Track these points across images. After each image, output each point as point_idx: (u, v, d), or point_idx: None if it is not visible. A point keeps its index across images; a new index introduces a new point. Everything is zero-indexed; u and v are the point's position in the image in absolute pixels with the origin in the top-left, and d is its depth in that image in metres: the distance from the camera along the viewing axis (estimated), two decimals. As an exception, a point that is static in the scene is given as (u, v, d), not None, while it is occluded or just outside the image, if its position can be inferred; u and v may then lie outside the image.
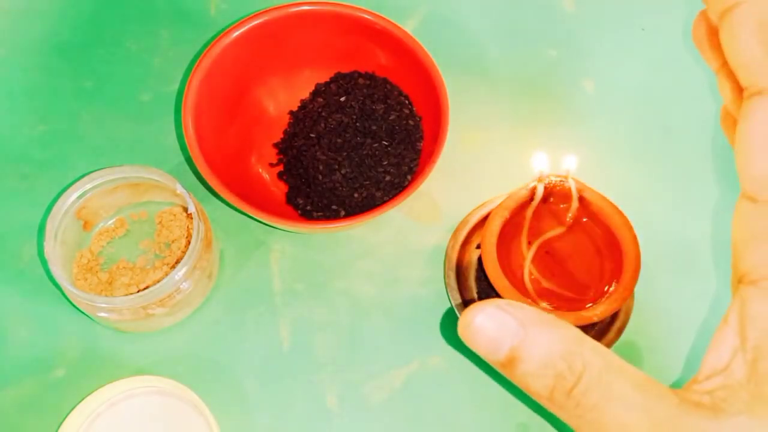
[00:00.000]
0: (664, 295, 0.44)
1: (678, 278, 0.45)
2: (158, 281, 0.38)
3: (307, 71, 0.46)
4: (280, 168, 0.46)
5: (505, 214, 0.41)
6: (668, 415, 0.22)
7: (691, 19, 0.54)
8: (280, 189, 0.45)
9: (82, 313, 0.41)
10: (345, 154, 0.44)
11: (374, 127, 0.44)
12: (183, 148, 0.47)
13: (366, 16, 0.43)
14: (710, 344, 0.24)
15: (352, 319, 0.43)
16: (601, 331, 0.43)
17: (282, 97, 0.47)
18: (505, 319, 0.23)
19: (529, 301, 0.39)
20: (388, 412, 0.41)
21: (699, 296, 0.45)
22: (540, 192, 0.41)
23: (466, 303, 0.43)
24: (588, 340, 0.24)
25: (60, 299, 0.42)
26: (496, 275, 0.40)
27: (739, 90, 0.24)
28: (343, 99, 0.45)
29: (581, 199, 0.41)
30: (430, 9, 0.51)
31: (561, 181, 0.41)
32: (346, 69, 0.46)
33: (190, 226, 0.44)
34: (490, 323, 0.24)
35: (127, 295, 0.40)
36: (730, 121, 0.27)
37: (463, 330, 0.24)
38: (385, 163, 0.44)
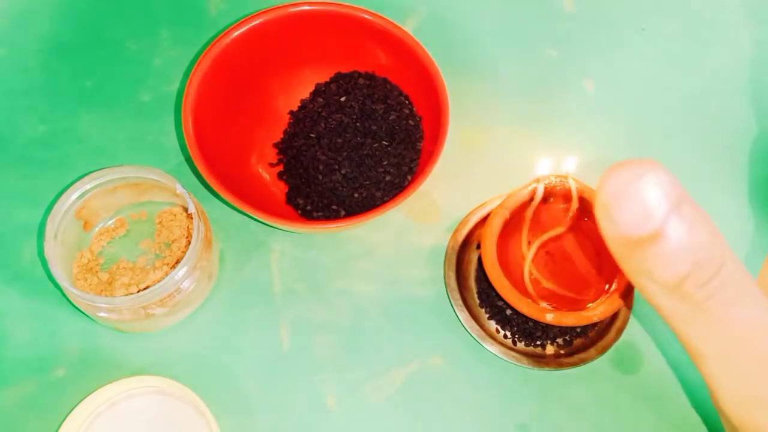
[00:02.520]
0: (664, 295, 0.44)
1: (678, 278, 0.45)
2: (158, 281, 0.38)
3: (307, 71, 0.46)
4: (280, 168, 0.46)
5: (505, 214, 0.41)
6: None
7: (692, 18, 0.54)
8: (280, 189, 0.45)
9: (82, 313, 0.41)
10: (345, 154, 0.44)
11: (374, 127, 0.44)
12: (183, 148, 0.47)
13: (366, 16, 0.43)
14: None
15: (352, 319, 0.43)
16: (601, 331, 0.43)
17: (282, 97, 0.47)
18: (658, 193, 0.20)
19: (529, 301, 0.39)
20: (388, 412, 0.41)
21: (699, 296, 0.44)
22: (540, 192, 0.41)
23: (465, 303, 0.43)
24: (722, 237, 0.22)
25: (60, 299, 0.42)
26: (496, 275, 0.40)
27: None
28: (343, 99, 0.45)
29: (581, 199, 0.41)
30: (430, 9, 0.51)
31: (561, 181, 0.41)
32: (346, 69, 0.46)
33: (190, 226, 0.44)
34: (642, 195, 0.21)
35: (127, 295, 0.41)
36: None
37: (608, 198, 0.21)
38: (385, 163, 0.44)
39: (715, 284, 0.22)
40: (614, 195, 0.21)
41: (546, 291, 0.41)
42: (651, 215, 0.21)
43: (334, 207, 0.43)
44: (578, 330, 0.43)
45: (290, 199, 0.45)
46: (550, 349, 0.43)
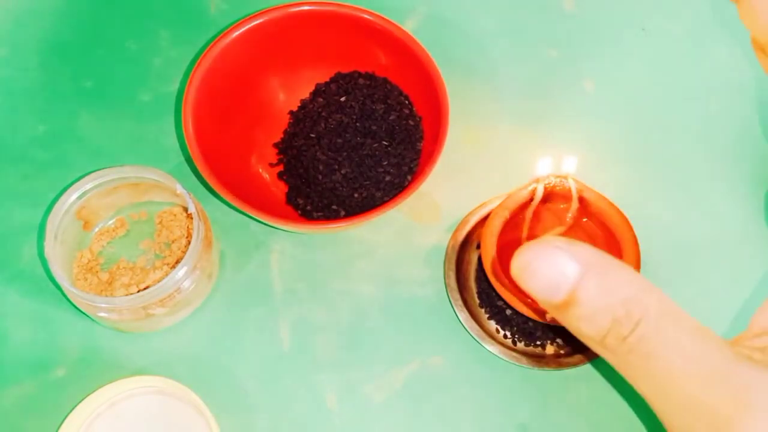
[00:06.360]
0: (664, 295, 0.44)
1: (678, 278, 0.45)
2: (158, 281, 0.38)
3: (307, 71, 0.46)
4: (280, 168, 0.46)
5: (505, 214, 0.41)
6: (720, 366, 0.22)
7: (692, 19, 0.54)
8: (280, 189, 0.45)
9: (82, 313, 0.41)
10: (345, 154, 0.44)
11: (374, 127, 0.44)
12: (183, 148, 0.47)
13: (366, 16, 0.43)
14: (762, 306, 0.24)
15: (352, 319, 0.43)
16: (601, 331, 0.43)
17: (282, 97, 0.47)
18: (564, 261, 0.22)
19: (529, 301, 0.39)
20: (388, 412, 0.41)
21: (699, 296, 0.44)
22: (540, 192, 0.41)
23: (465, 303, 0.43)
24: (646, 283, 0.23)
25: (60, 299, 0.42)
26: (496, 275, 0.40)
27: None
28: (343, 99, 0.45)
29: (581, 199, 0.41)
30: (430, 9, 0.51)
31: (561, 181, 0.41)
32: (346, 69, 0.46)
33: (190, 226, 0.44)
34: (548, 266, 0.22)
35: (127, 295, 0.41)
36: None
37: (518, 273, 0.23)
38: (385, 163, 0.44)
39: (634, 338, 0.23)
40: (522, 270, 0.23)
41: (546, 291, 0.41)
42: (558, 285, 0.22)
43: (334, 207, 0.43)
44: (578, 330, 0.43)
45: (290, 199, 0.45)
46: (550, 349, 0.43)
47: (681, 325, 0.23)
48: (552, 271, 0.22)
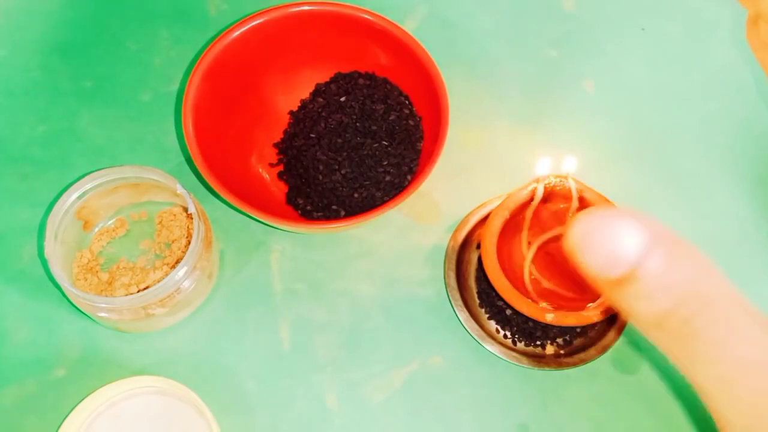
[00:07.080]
0: (664, 295, 0.44)
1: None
2: (158, 281, 0.38)
3: (307, 71, 0.46)
4: (280, 168, 0.46)
5: (505, 214, 0.41)
6: None
7: (692, 19, 0.54)
8: (280, 189, 0.45)
9: (83, 313, 0.41)
10: (345, 154, 0.44)
11: (374, 127, 0.44)
12: (183, 148, 0.47)
13: (366, 16, 0.43)
14: None
15: (352, 319, 0.43)
16: (601, 331, 0.43)
17: (282, 97, 0.47)
18: (629, 233, 0.20)
19: (529, 301, 0.39)
20: (388, 412, 0.41)
21: (699, 296, 0.44)
22: (540, 192, 0.41)
23: (465, 303, 0.43)
24: (715, 269, 0.21)
25: (60, 299, 0.42)
26: (496, 275, 0.40)
27: None
28: (343, 99, 0.45)
29: (581, 199, 0.41)
30: (430, 9, 0.51)
31: (561, 181, 0.41)
32: (346, 69, 0.46)
33: (190, 226, 0.44)
34: (609, 237, 0.20)
35: (127, 295, 0.41)
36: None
37: (575, 243, 0.21)
38: (385, 163, 0.44)
39: (701, 321, 0.21)
40: (583, 238, 0.21)
41: (546, 291, 0.41)
42: (620, 258, 0.21)
43: (334, 207, 0.43)
44: (578, 330, 0.43)
45: (290, 199, 0.45)
46: (550, 349, 0.43)
47: (750, 314, 0.21)
48: (614, 244, 0.20)
